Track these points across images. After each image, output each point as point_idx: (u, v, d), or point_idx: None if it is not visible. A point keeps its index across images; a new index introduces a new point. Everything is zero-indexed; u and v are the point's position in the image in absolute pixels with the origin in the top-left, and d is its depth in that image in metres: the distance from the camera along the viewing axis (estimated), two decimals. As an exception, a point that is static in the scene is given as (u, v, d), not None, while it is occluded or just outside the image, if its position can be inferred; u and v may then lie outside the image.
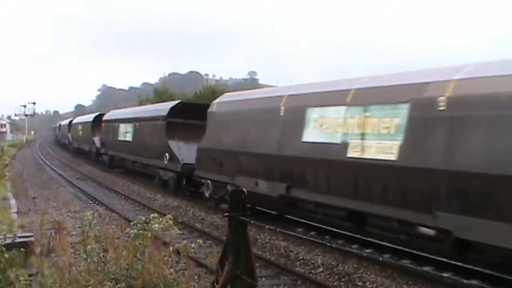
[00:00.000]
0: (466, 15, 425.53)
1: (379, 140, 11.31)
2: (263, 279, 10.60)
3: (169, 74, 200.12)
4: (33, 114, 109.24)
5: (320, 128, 13.34)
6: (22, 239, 8.58)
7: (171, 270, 5.64)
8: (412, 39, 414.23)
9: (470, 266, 11.02)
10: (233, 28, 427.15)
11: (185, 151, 22.48)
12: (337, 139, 12.55)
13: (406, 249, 12.32)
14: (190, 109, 24.77)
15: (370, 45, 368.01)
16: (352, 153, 11.96)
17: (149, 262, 5.51)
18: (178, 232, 6.16)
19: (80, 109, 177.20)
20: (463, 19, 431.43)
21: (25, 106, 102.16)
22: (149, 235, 5.80)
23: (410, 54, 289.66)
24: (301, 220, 16.25)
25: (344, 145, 12.21)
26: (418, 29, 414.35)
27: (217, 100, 20.42)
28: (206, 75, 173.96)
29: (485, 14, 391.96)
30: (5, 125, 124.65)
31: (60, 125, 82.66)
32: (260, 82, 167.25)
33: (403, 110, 10.82)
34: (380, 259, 11.56)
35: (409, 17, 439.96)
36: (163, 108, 26.43)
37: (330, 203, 12.81)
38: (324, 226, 15.09)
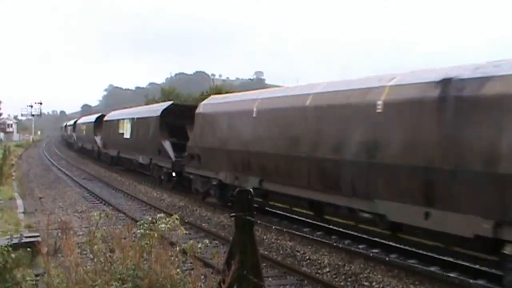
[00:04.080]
0: (467, 15, 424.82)
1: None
2: (270, 279, 10.59)
3: (176, 74, 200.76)
4: (40, 114, 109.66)
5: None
6: (28, 239, 8.61)
7: (178, 270, 5.64)
8: (417, 38, 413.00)
9: (477, 266, 10.99)
10: (240, 28, 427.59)
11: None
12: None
13: (413, 249, 12.30)
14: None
15: (377, 44, 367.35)
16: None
17: (155, 262, 5.50)
18: (184, 232, 6.14)
19: (86, 109, 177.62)
20: (463, 18, 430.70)
21: (31, 106, 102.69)
22: (156, 235, 5.79)
23: (417, 53, 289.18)
24: (308, 220, 16.24)
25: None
26: (422, 28, 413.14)
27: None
28: (213, 75, 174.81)
29: (486, 14, 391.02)
30: (11, 125, 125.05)
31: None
32: (267, 82, 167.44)
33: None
34: (387, 259, 11.55)
35: (413, 17, 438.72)
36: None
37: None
38: (330, 226, 15.07)
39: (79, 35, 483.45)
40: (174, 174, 24.34)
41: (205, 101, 21.54)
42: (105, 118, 41.25)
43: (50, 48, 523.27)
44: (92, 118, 49.66)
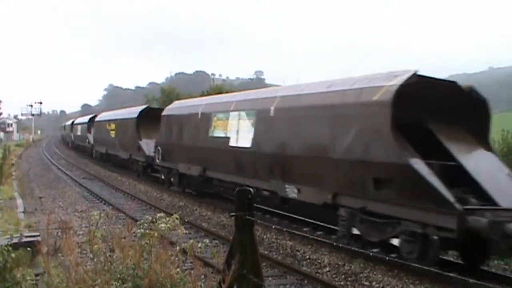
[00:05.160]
0: (456, 23, 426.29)
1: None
2: (270, 278, 10.59)
3: (176, 74, 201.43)
4: (40, 114, 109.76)
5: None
6: (28, 239, 8.61)
7: (178, 269, 5.63)
8: (416, 38, 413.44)
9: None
10: (240, 28, 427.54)
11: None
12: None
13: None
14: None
15: (374, 46, 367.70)
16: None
17: (155, 262, 5.50)
18: (184, 231, 6.14)
19: (86, 109, 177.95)
20: (453, 26, 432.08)
21: (31, 106, 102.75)
22: (156, 234, 5.79)
23: (411, 56, 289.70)
24: (308, 219, 16.22)
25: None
26: (422, 29, 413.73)
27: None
28: (213, 74, 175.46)
29: (473, 22, 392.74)
30: (11, 124, 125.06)
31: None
32: (267, 81, 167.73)
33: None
34: (387, 258, 11.51)
35: (413, 17, 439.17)
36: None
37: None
38: (331, 226, 15.04)
39: (79, 35, 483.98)
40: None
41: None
42: (166, 112, 24.92)
43: (50, 48, 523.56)
44: (131, 112, 33.19)
